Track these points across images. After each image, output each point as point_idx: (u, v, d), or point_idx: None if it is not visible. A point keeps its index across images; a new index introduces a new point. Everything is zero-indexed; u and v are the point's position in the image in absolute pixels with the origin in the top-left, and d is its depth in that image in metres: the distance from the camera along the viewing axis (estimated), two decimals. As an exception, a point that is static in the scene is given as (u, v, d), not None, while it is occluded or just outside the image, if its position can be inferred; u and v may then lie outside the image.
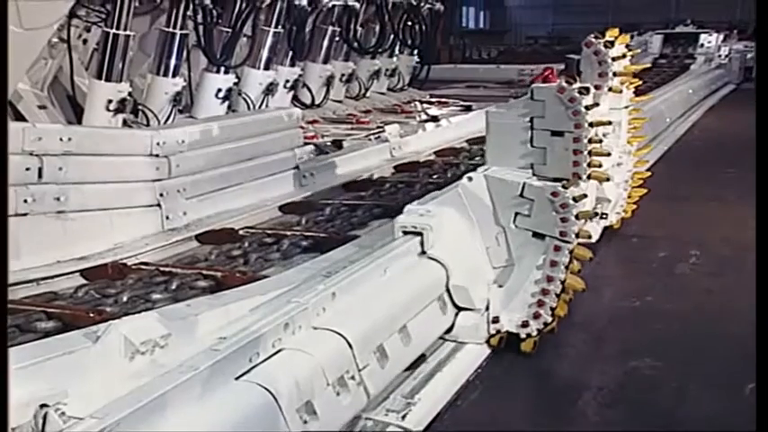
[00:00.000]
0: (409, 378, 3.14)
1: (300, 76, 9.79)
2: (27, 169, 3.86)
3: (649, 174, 5.95)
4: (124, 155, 4.55)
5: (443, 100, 12.53)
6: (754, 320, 2.52)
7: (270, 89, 8.84)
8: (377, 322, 2.95)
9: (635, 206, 5.63)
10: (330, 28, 10.40)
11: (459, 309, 3.57)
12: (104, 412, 1.96)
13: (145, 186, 4.57)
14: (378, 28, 11.54)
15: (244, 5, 8.05)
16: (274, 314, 2.64)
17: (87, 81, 6.72)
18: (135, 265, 4.06)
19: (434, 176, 6.55)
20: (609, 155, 3.83)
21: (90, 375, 2.16)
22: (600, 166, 3.70)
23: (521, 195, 3.55)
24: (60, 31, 6.33)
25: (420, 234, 3.54)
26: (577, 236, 3.51)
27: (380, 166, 6.81)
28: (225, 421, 2.19)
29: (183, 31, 7.25)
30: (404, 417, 2.85)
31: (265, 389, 2.32)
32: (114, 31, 6.43)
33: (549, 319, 3.47)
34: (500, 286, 3.61)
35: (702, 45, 18.46)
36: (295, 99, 9.97)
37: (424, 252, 3.54)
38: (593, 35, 4.59)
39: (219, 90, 8.05)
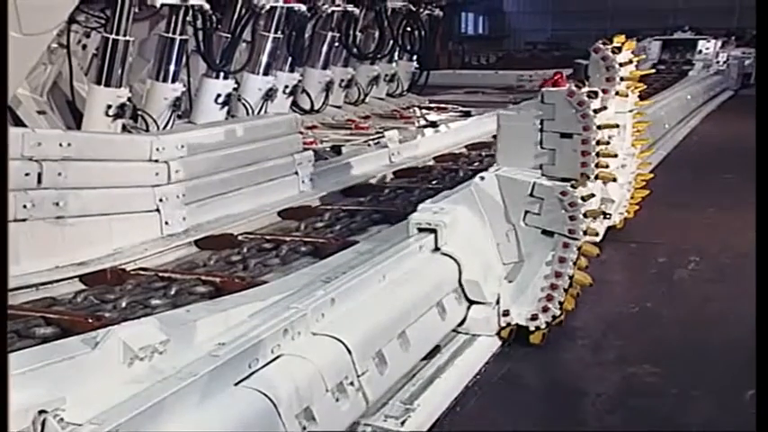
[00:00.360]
0: (408, 384, 3.14)
1: (300, 81, 9.82)
2: (26, 174, 3.85)
3: (652, 175, 5.99)
4: (123, 160, 4.54)
5: (442, 105, 12.54)
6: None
7: (269, 95, 8.86)
8: (376, 328, 2.95)
9: (637, 207, 5.68)
10: (329, 33, 10.43)
11: (471, 302, 3.71)
12: (103, 418, 1.96)
13: (144, 192, 4.57)
14: (377, 34, 11.57)
15: (243, 11, 8.08)
16: (273, 320, 2.64)
17: (87, 86, 6.73)
18: (134, 270, 4.05)
19: (433, 182, 6.55)
20: (616, 156, 3.97)
21: (89, 381, 2.15)
22: (607, 166, 3.85)
23: (531, 194, 3.70)
24: (60, 37, 6.35)
25: (434, 231, 3.68)
26: (585, 233, 3.64)
27: (379, 172, 6.80)
28: (224, 427, 2.18)
29: (183, 37, 7.27)
30: (403, 423, 2.85)
31: (264, 395, 2.32)
32: (114, 36, 6.45)
33: (558, 313, 3.60)
34: (510, 281, 3.75)
35: (701, 51, 18.45)
36: (294, 104, 9.99)
37: (437, 248, 3.68)
38: (601, 41, 4.64)
39: (219, 95, 8.07)
